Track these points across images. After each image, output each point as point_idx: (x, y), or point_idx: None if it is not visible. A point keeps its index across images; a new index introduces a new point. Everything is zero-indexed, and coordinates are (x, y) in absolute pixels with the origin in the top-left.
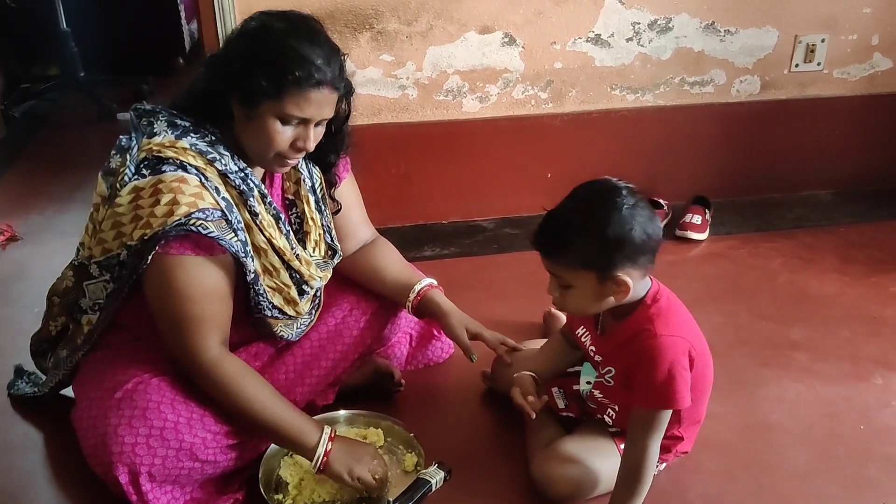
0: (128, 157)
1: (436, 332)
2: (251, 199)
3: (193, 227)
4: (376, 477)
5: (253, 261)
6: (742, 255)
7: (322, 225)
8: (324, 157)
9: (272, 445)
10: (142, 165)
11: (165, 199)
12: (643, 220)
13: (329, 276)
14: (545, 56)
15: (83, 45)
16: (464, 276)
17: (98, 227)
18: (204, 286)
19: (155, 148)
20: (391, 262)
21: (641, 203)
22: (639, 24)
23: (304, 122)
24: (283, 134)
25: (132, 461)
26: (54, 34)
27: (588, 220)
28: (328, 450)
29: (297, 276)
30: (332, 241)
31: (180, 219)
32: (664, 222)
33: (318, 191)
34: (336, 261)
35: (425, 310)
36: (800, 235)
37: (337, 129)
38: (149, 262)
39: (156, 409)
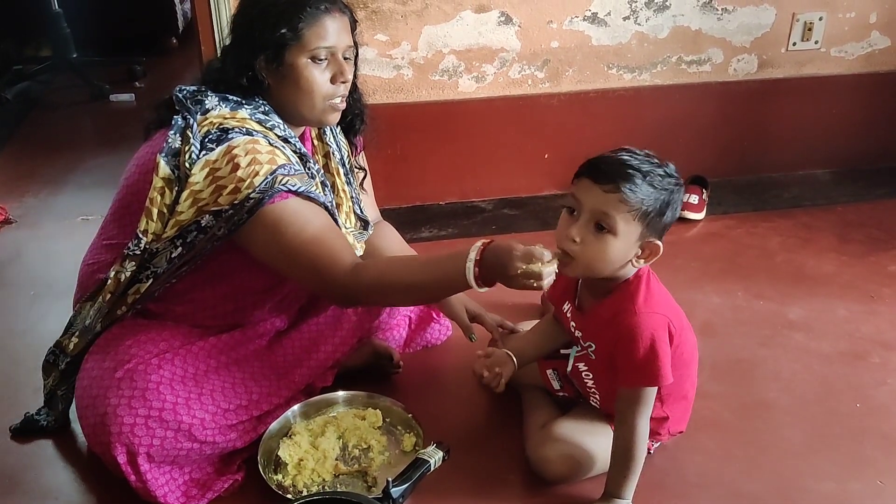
0: (189, 134)
1: (434, 315)
2: (310, 161)
3: (283, 186)
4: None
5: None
6: (739, 234)
7: (351, 197)
8: (350, 121)
9: (271, 426)
10: (206, 140)
11: (245, 161)
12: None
13: (364, 247)
14: (542, 35)
15: (76, 25)
16: None
17: (169, 210)
18: (312, 214)
19: (216, 121)
20: (392, 243)
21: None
22: (636, 2)
23: (332, 54)
24: (319, 75)
25: (130, 441)
26: (47, 15)
27: (664, 179)
28: (478, 258)
29: None
30: (360, 212)
31: (266, 177)
32: None
33: (346, 163)
34: (369, 232)
35: None
36: (797, 215)
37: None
38: (248, 222)
39: (155, 389)
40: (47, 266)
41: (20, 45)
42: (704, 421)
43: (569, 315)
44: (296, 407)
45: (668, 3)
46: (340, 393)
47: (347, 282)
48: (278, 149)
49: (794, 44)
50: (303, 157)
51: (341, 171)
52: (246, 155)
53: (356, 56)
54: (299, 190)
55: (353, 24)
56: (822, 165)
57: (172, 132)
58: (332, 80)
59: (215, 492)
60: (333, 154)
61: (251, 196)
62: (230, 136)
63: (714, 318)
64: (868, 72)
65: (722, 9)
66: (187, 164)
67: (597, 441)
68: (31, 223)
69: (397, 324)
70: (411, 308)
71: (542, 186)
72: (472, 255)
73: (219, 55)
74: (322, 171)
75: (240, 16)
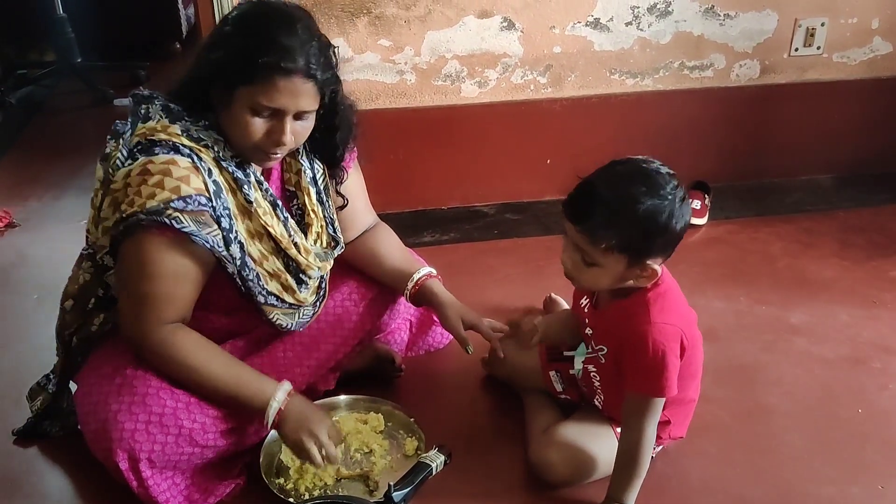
0: (121, 141)
1: (435, 319)
2: (246, 185)
3: (166, 220)
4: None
5: (242, 249)
6: (741, 239)
7: (324, 217)
8: (330, 153)
9: (273, 431)
10: (135, 150)
11: (152, 181)
12: (686, 214)
13: (330, 266)
14: (544, 40)
15: (80, 30)
16: (464, 262)
17: (99, 214)
18: (172, 267)
19: (148, 132)
20: (391, 249)
21: (683, 192)
22: (638, 7)
23: (278, 113)
24: (255, 125)
25: (131, 447)
26: (51, 20)
27: (638, 208)
28: (283, 406)
29: (294, 265)
30: (334, 232)
31: (159, 205)
32: None
33: (319, 182)
34: (338, 252)
35: (423, 299)
36: (799, 220)
37: (329, 124)
38: (122, 238)
39: (155, 394)
40: (51, 270)
41: (24, 49)
42: (706, 425)
43: (586, 310)
44: None
45: (670, 9)
46: (342, 397)
47: (159, 336)
48: (201, 172)
49: (797, 49)
50: (237, 181)
51: (312, 190)
52: (155, 175)
53: (334, 108)
54: (183, 229)
55: (330, 84)
56: (824, 171)
57: (109, 136)
58: (270, 137)
59: (217, 496)
60: (305, 172)
61: (138, 214)
62: (155, 150)
63: (716, 323)
64: (870, 77)
65: (724, 14)
66: (111, 170)
67: (599, 445)
68: (35, 227)
69: (398, 327)
70: (412, 312)
71: (545, 191)
72: (280, 397)
73: (196, 51)
74: (267, 194)
75: (220, 28)
